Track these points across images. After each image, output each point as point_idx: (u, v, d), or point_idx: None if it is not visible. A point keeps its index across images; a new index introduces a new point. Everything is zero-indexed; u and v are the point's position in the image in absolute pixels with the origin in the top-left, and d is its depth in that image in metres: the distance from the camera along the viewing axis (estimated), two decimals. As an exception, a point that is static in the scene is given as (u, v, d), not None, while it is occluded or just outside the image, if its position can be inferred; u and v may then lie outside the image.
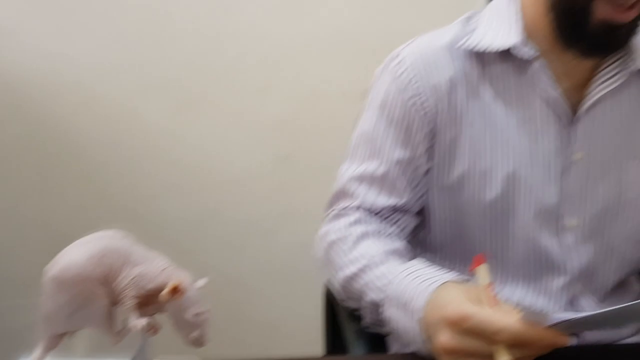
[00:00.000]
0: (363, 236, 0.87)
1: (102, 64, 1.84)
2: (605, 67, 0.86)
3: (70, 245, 0.55)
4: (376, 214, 0.91)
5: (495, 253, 0.91)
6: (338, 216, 0.92)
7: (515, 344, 0.59)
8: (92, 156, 1.91)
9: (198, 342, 0.54)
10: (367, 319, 0.82)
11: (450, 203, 0.91)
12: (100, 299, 0.51)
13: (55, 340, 0.52)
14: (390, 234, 0.90)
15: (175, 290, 0.52)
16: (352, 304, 0.86)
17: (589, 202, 0.89)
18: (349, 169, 0.95)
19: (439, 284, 0.69)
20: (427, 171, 0.92)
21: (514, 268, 0.91)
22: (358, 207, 0.91)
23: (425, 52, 0.90)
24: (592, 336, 0.89)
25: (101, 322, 0.52)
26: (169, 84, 1.88)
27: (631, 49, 0.86)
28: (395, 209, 0.92)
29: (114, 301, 0.53)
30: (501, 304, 0.63)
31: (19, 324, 0.58)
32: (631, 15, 0.77)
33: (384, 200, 0.91)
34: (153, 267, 0.53)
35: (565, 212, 0.89)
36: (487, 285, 0.63)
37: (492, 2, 0.92)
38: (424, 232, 0.97)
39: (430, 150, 0.90)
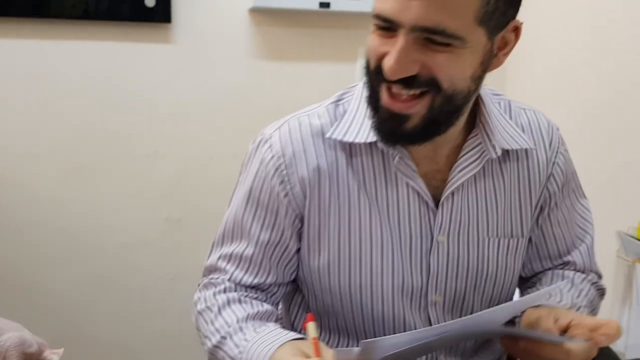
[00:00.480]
0: (226, 304, 0.90)
1: None
2: (464, 155, 0.90)
3: None
4: (244, 287, 0.94)
5: (364, 328, 0.95)
6: (207, 285, 0.95)
7: None
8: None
9: None
10: None
11: (320, 284, 0.95)
12: None
13: None
14: (255, 298, 0.93)
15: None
16: None
17: (451, 279, 0.94)
18: (219, 247, 0.97)
19: (278, 345, 0.77)
20: (298, 250, 0.95)
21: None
22: (227, 279, 0.94)
23: (294, 139, 0.91)
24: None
25: None
26: (56, 151, 1.87)
27: (488, 137, 0.90)
28: (260, 287, 0.95)
29: None
30: (323, 352, 0.72)
31: None
32: (406, 107, 0.79)
33: (250, 279, 0.94)
34: (27, 334, 0.57)
35: (431, 290, 0.93)
36: (313, 339, 0.73)
37: (357, 90, 0.93)
38: (303, 304, 1.01)
39: (297, 234, 0.93)
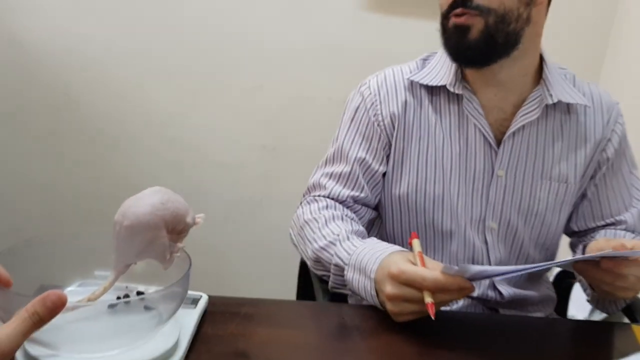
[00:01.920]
0: (331, 218, 1.09)
1: (119, 47, 2.04)
2: (527, 103, 1.07)
3: (133, 198, 0.73)
4: (341, 202, 1.14)
5: (436, 247, 1.14)
6: (311, 201, 1.15)
7: (436, 289, 0.82)
8: (100, 129, 2.11)
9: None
10: (332, 281, 1.04)
11: (399, 205, 1.14)
12: (163, 237, 0.74)
13: (125, 269, 0.75)
14: (352, 218, 1.12)
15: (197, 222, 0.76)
16: (320, 271, 1.08)
17: (505, 210, 1.11)
18: (322, 168, 1.18)
19: (387, 253, 0.92)
20: (384, 175, 1.15)
21: (451, 258, 1.14)
22: (327, 196, 1.14)
23: (388, 81, 1.13)
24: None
25: (161, 254, 0.75)
26: (176, 73, 2.08)
27: (547, 88, 1.07)
28: (355, 200, 1.14)
29: (171, 237, 0.75)
30: (428, 264, 0.86)
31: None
32: (465, 20, 0.99)
33: (347, 192, 1.13)
34: (183, 205, 0.75)
35: (488, 217, 1.12)
36: (419, 253, 0.88)
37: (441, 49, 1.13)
38: (381, 225, 1.20)
39: (385, 159, 1.14)
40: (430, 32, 2.11)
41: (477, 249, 1.13)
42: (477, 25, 0.99)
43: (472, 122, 1.09)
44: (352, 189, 1.14)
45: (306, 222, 1.11)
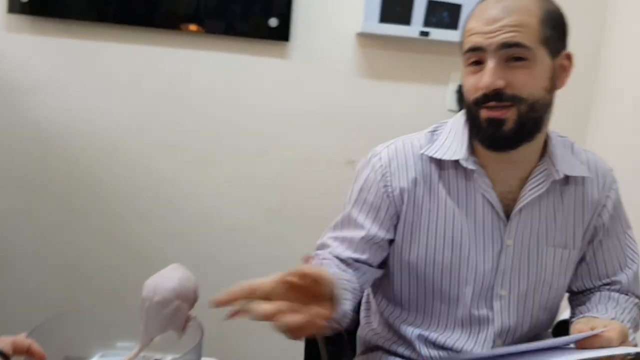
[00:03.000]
0: (328, 266, 1.11)
1: (125, 123, 2.11)
2: (533, 177, 1.12)
3: (157, 275, 0.81)
4: (342, 260, 1.17)
5: (442, 312, 1.18)
6: (313, 257, 1.18)
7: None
8: (109, 201, 2.16)
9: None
10: None
11: (408, 272, 1.18)
12: (185, 308, 0.81)
13: (150, 342, 0.81)
14: (345, 271, 1.11)
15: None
16: None
17: (516, 277, 1.16)
18: (330, 232, 1.23)
19: None
20: (390, 242, 1.19)
21: (455, 323, 1.18)
22: (330, 253, 1.18)
23: (399, 154, 1.16)
24: None
25: (181, 324, 0.81)
26: (181, 145, 2.15)
27: (553, 163, 1.12)
28: (356, 260, 1.17)
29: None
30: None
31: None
32: (501, 114, 1.02)
33: (348, 253, 1.16)
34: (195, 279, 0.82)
35: (498, 284, 1.16)
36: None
37: (452, 120, 1.19)
38: (389, 288, 1.24)
39: (393, 228, 1.17)
40: (420, 93, 2.24)
41: (482, 316, 1.17)
42: (511, 116, 1.03)
43: (481, 195, 1.14)
44: (354, 252, 1.17)
45: None
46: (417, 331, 1.21)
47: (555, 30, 1.05)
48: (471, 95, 1.06)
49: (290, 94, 2.18)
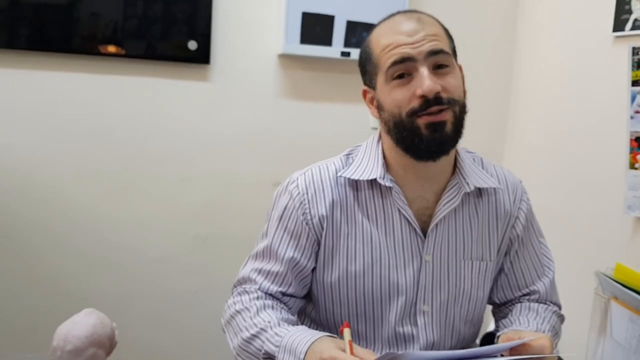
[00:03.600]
0: (263, 307, 1.11)
1: (39, 153, 2.01)
2: (446, 192, 1.14)
3: (69, 322, 0.75)
4: (271, 295, 1.16)
5: (367, 333, 1.17)
6: (242, 293, 1.17)
7: None
8: (26, 236, 2.04)
9: None
10: None
11: (331, 296, 1.17)
12: (101, 358, 0.76)
13: None
14: (282, 308, 1.15)
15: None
16: None
17: (437, 292, 1.16)
18: (252, 263, 1.20)
19: (317, 337, 0.96)
20: (313, 269, 1.18)
21: (382, 343, 1.18)
22: (258, 289, 1.16)
23: (315, 180, 1.16)
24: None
25: None
26: (100, 173, 2.07)
27: (463, 177, 1.15)
28: (284, 294, 1.17)
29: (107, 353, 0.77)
30: (358, 352, 0.90)
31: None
32: (442, 116, 1.04)
33: (275, 288, 1.16)
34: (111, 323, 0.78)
35: (420, 300, 1.16)
36: (349, 341, 0.92)
37: (366, 142, 1.21)
38: (314, 311, 1.23)
39: (314, 255, 1.17)
40: (344, 113, 2.26)
41: (407, 333, 1.17)
42: (449, 118, 1.06)
43: (398, 212, 1.14)
44: (280, 285, 1.16)
45: (238, 312, 1.13)
46: None
47: (452, 42, 1.12)
48: (404, 108, 1.06)
49: (214, 117, 2.16)
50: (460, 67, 1.13)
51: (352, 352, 0.90)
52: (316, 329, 1.16)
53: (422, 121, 1.05)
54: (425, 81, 1.03)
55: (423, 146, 1.07)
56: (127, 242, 2.14)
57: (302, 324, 1.24)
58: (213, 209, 2.20)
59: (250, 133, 2.19)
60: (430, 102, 1.04)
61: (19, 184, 2.02)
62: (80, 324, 0.75)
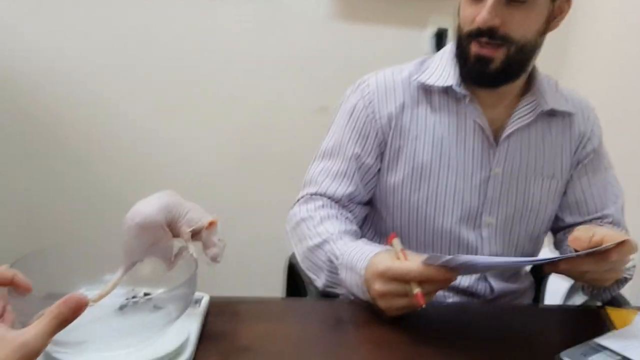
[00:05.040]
0: (326, 217, 1.14)
1: (95, 65, 2.05)
2: (521, 107, 1.15)
3: (143, 200, 0.78)
4: (336, 202, 1.19)
5: (428, 243, 1.18)
6: (308, 200, 1.19)
7: (422, 279, 0.87)
8: (77, 146, 2.11)
9: (216, 258, 0.81)
10: (326, 279, 1.08)
11: (393, 199, 1.18)
12: (166, 237, 0.78)
13: (132, 266, 0.79)
14: (346, 218, 1.18)
15: (211, 224, 0.80)
16: (310, 271, 1.12)
17: (502, 205, 1.16)
18: (318, 164, 1.22)
19: (374, 253, 0.98)
20: (377, 172, 1.19)
21: (442, 253, 1.17)
22: (322, 195, 1.18)
23: (387, 81, 1.17)
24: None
25: (166, 255, 0.79)
26: (152, 88, 2.10)
27: (540, 95, 1.14)
28: (350, 199, 1.19)
29: (175, 236, 0.80)
30: (411, 258, 0.91)
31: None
32: (490, 52, 1.04)
33: (342, 190, 1.17)
34: (197, 212, 0.80)
35: (486, 212, 1.16)
36: (401, 250, 0.93)
37: (441, 51, 1.20)
38: (377, 220, 1.24)
39: (380, 156, 1.18)
40: (396, 37, 2.21)
41: (470, 245, 1.18)
42: (499, 57, 1.05)
43: (471, 121, 1.15)
44: (347, 187, 1.18)
45: (302, 220, 1.15)
46: None
47: None
48: (465, 27, 1.07)
49: (263, 38, 2.14)
50: (559, 7, 1.08)
51: (405, 259, 0.91)
52: (379, 241, 1.19)
53: (473, 48, 1.06)
54: (483, 12, 1.02)
55: (466, 72, 1.10)
56: (173, 158, 2.18)
57: (364, 235, 1.26)
58: (258, 130, 2.21)
59: (298, 55, 2.17)
60: (483, 32, 1.04)
61: (73, 93, 2.06)
62: (149, 203, 0.78)
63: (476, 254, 1.18)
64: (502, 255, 1.20)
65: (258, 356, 0.80)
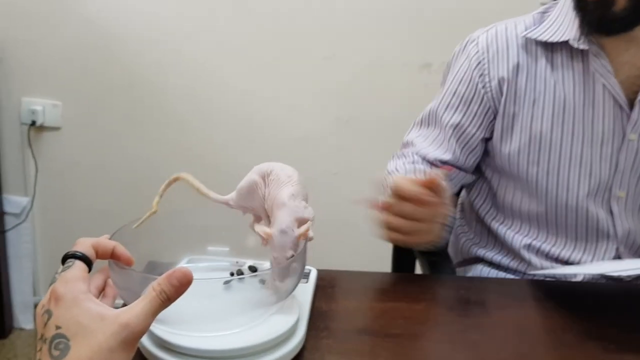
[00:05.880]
0: (411, 171, 1.04)
1: (188, 25, 2.01)
2: None
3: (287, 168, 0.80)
4: (429, 162, 1.07)
5: (551, 220, 1.05)
6: (400, 156, 1.10)
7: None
8: (174, 109, 2.09)
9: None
10: None
11: (510, 175, 1.05)
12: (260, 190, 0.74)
13: (224, 203, 0.76)
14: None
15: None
16: None
17: (634, 177, 1.00)
18: (416, 129, 1.13)
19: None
20: (485, 141, 1.07)
21: (567, 231, 1.05)
22: (416, 153, 1.08)
23: (499, 38, 1.02)
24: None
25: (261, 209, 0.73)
26: (247, 49, 2.04)
27: None
28: (444, 163, 1.07)
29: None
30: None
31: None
32: None
33: (435, 153, 1.07)
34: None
35: (616, 185, 1.01)
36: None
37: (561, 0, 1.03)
38: (489, 192, 1.12)
39: (487, 124, 1.05)
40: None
41: (601, 221, 1.03)
42: None
43: (599, 81, 0.98)
44: (444, 153, 1.07)
45: (389, 173, 1.08)
46: (525, 240, 1.08)
47: None
48: None
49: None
50: None
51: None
52: (495, 216, 1.10)
53: None
54: None
55: (586, 21, 0.93)
56: (271, 120, 2.12)
57: (478, 209, 1.15)
58: (356, 90, 2.10)
59: (399, 8, 2.02)
60: None
61: (168, 56, 2.04)
62: (294, 178, 0.79)
63: (607, 232, 1.04)
64: (635, 232, 1.04)
65: (378, 340, 0.71)
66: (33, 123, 2.06)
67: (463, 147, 1.07)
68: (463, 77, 1.05)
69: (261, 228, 0.69)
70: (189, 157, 2.12)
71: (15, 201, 2.14)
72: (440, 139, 1.08)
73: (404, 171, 1.05)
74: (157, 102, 2.09)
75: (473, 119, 1.05)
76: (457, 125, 1.06)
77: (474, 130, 1.05)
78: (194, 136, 2.12)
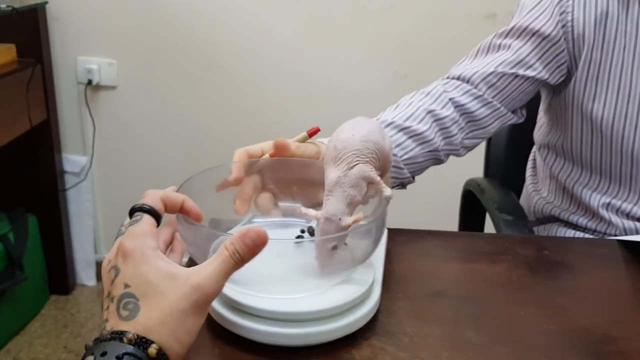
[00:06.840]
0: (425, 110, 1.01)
1: None
2: None
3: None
4: (474, 86, 0.94)
5: (635, 177, 0.96)
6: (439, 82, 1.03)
7: None
8: (228, 66, 2.06)
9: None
10: None
11: (592, 130, 0.96)
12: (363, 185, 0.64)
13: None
14: (476, 96, 0.93)
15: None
16: None
17: None
18: (469, 60, 0.99)
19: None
20: (542, 84, 0.95)
21: None
22: (457, 78, 0.97)
23: None
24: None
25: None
26: (299, 2, 1.97)
27: None
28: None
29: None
30: None
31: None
32: None
33: (472, 106, 0.94)
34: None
35: None
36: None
37: None
38: (565, 145, 1.02)
39: (557, 71, 0.93)
40: None
41: None
42: None
43: None
44: (482, 102, 0.93)
45: (397, 105, 1.06)
46: (604, 199, 1.00)
47: None
48: None
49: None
50: None
51: None
52: (563, 167, 1.01)
53: None
54: None
55: None
56: (326, 76, 2.06)
57: (545, 160, 1.07)
58: (415, 43, 2.01)
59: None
60: None
61: (221, 14, 2.00)
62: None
63: None
64: None
65: (458, 304, 0.67)
66: (89, 82, 2.06)
67: (513, 92, 0.94)
68: (543, 9, 0.92)
69: (309, 210, 0.63)
70: (244, 115, 2.10)
71: (74, 160, 2.17)
72: (490, 72, 0.93)
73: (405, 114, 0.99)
74: (211, 59, 2.06)
75: (542, 56, 0.92)
76: (519, 51, 0.92)
77: (536, 70, 0.92)
78: (249, 94, 2.09)
